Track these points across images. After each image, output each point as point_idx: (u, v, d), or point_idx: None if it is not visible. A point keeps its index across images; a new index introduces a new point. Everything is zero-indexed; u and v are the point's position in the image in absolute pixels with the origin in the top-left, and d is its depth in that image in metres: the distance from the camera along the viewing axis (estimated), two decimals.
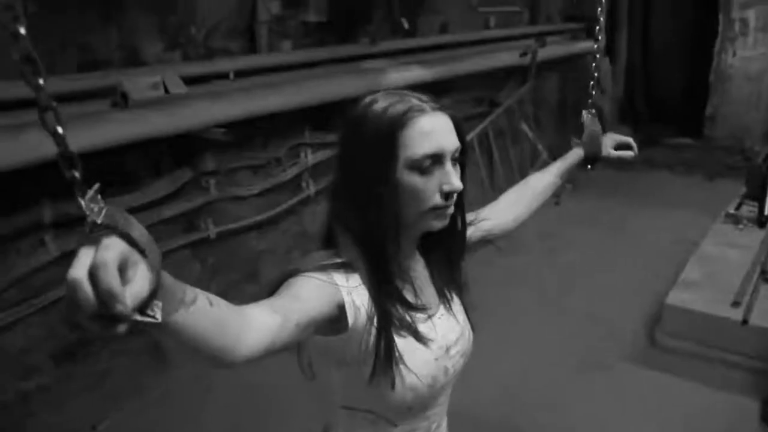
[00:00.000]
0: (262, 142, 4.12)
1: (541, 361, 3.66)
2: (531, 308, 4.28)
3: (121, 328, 0.65)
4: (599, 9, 1.68)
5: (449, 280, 1.29)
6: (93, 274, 0.63)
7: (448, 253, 1.27)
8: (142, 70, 3.38)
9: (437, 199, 1.11)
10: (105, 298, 0.62)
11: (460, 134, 1.16)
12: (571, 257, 5.05)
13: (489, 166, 6.11)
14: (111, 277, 0.63)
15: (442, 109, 1.15)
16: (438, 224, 1.15)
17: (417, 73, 4.81)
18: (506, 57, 6.07)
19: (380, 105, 1.12)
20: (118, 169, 3.32)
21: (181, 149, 3.60)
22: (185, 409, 3.24)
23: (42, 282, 3.02)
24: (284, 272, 1.09)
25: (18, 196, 2.91)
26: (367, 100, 1.15)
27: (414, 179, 1.10)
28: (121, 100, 3.08)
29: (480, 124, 5.83)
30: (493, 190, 5.72)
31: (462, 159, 1.17)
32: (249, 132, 3.91)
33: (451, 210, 1.15)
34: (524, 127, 6.50)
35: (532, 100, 6.73)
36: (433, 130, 1.10)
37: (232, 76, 3.82)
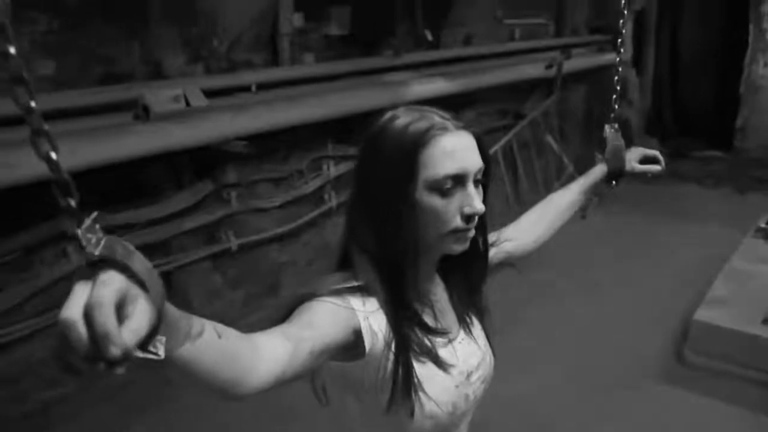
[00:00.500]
0: (284, 155, 4.11)
1: (564, 379, 3.58)
2: (554, 325, 4.20)
3: (119, 370, 0.61)
4: (621, 21, 1.63)
5: (470, 303, 1.24)
6: (88, 314, 0.59)
7: (469, 276, 1.22)
8: (164, 83, 3.39)
9: (458, 222, 1.07)
10: (99, 340, 0.59)
11: (484, 154, 1.11)
12: (596, 272, 4.96)
13: (513, 179, 6.05)
14: (106, 318, 0.59)
15: (465, 127, 1.10)
16: (458, 248, 1.10)
17: (440, 85, 4.78)
18: (531, 69, 6.02)
19: (401, 122, 1.07)
20: (139, 181, 3.32)
21: (203, 162, 3.60)
22: (205, 421, 3.21)
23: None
24: (298, 296, 1.05)
25: (41, 207, 2.92)
26: (388, 116, 1.11)
27: (434, 201, 1.05)
28: (142, 112, 3.08)
29: (504, 137, 5.78)
30: (518, 204, 5.65)
31: (485, 180, 1.12)
32: (271, 144, 3.90)
33: (472, 233, 1.10)
34: (549, 139, 6.43)
35: (557, 112, 6.66)
36: (455, 150, 1.06)
37: (254, 88, 3.81)
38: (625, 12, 1.61)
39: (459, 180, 1.06)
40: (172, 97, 3.15)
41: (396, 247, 1.07)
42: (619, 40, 1.64)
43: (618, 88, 1.66)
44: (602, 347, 3.90)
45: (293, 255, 4.28)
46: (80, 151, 2.75)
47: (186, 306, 3.33)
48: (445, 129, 1.06)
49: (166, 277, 3.48)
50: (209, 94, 3.46)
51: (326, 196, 4.43)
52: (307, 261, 4.34)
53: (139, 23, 3.37)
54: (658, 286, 4.67)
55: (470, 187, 1.07)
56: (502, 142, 5.70)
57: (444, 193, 1.05)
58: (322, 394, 1.19)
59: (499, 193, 5.62)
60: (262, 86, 3.89)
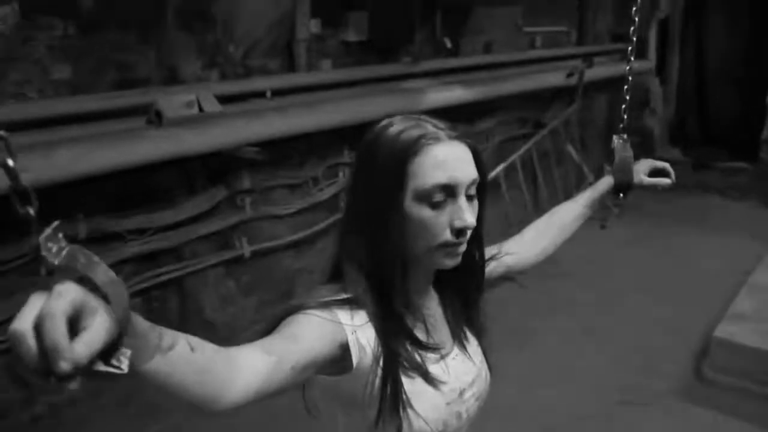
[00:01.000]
0: (299, 161, 4.10)
1: (578, 393, 3.52)
2: (569, 336, 4.13)
3: (71, 385, 0.59)
4: (632, 28, 1.58)
5: (466, 319, 1.21)
6: (38, 326, 0.57)
7: (465, 291, 1.19)
8: (177, 88, 3.39)
9: (447, 236, 1.03)
10: (48, 353, 0.57)
11: (479, 166, 1.08)
12: (613, 284, 4.89)
13: (533, 188, 5.99)
14: (56, 330, 0.57)
15: (460, 138, 1.07)
16: (449, 262, 1.07)
17: (459, 93, 4.74)
18: (552, 78, 5.95)
19: (394, 129, 1.06)
20: (152, 186, 3.32)
21: (217, 167, 3.60)
22: (218, 428, 3.19)
23: None
24: (284, 309, 1.03)
25: (53, 212, 2.93)
26: (383, 123, 1.09)
27: (423, 212, 1.03)
28: (155, 118, 3.09)
29: (524, 146, 5.73)
30: (537, 213, 5.58)
31: (480, 193, 1.09)
32: (286, 151, 3.89)
33: (463, 248, 1.07)
34: (569, 149, 6.36)
35: (578, 121, 6.59)
36: (446, 160, 1.03)
37: (269, 94, 3.80)
38: (636, 19, 1.57)
39: (449, 191, 1.03)
40: (185, 102, 3.15)
41: (383, 257, 1.05)
42: (630, 48, 1.59)
43: (627, 98, 1.62)
44: (617, 361, 3.84)
45: (308, 262, 4.26)
46: (93, 155, 2.76)
47: (198, 312, 3.31)
48: (437, 138, 1.04)
49: (179, 282, 3.48)
50: (224, 100, 3.46)
51: (342, 204, 4.41)
52: (321, 268, 4.32)
53: (154, 29, 3.38)
54: (678, 299, 4.59)
55: (461, 199, 1.04)
56: (522, 150, 5.65)
57: (433, 205, 1.03)
58: (314, 407, 1.16)
59: (519, 202, 5.56)
60: (279, 92, 3.88)
